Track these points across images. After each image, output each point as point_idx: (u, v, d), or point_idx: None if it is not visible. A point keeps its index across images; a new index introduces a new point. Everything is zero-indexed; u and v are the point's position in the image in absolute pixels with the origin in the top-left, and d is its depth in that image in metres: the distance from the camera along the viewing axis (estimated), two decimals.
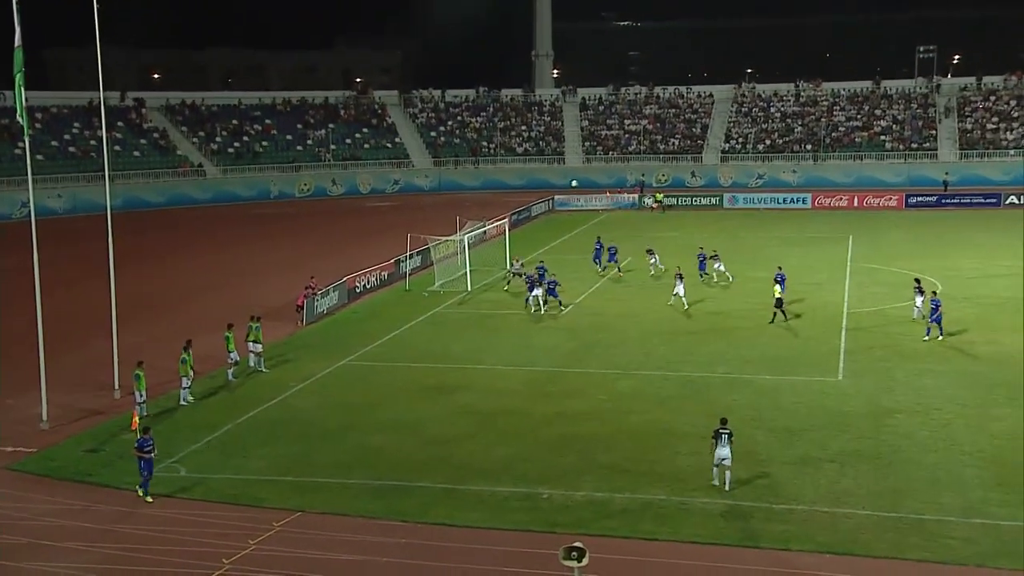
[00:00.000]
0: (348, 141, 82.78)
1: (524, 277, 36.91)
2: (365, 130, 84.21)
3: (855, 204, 64.44)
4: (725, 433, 18.58)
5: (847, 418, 22.55)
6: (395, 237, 48.24)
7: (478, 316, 34.47)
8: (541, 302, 33.87)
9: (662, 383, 25.63)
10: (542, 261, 40.30)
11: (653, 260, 40.03)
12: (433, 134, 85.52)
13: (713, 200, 67.28)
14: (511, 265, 39.71)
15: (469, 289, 38.77)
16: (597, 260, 41.42)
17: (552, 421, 22.78)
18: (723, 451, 18.38)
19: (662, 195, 66.50)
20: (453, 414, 23.49)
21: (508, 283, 39.04)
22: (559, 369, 27.27)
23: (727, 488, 18.37)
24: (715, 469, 18.58)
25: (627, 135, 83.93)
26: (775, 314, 31.55)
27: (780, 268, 34.79)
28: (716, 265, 38.71)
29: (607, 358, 28.26)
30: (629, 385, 25.56)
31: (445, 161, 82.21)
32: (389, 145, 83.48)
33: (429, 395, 25.06)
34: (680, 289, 33.59)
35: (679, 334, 30.74)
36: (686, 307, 33.43)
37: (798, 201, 65.65)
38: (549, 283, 34.86)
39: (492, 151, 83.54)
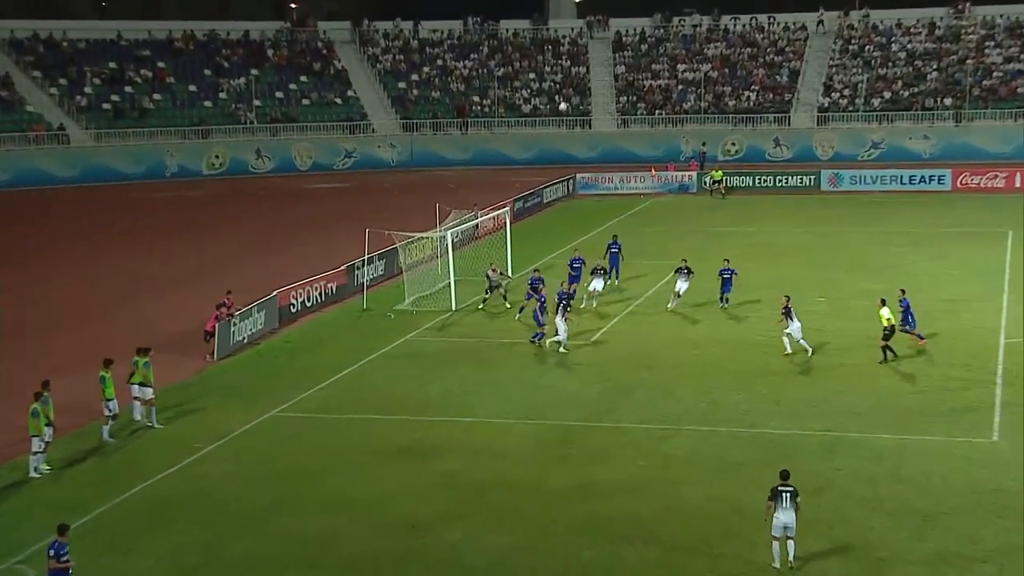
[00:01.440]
0: (279, 94, 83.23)
1: (527, 292, 36.78)
2: (304, 79, 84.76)
3: (1017, 184, 64.67)
4: (787, 491, 19.24)
5: (1006, 497, 22.50)
6: (347, 233, 48.33)
7: (467, 347, 34.56)
8: (561, 331, 33.11)
9: (731, 444, 25.70)
10: (537, 269, 40.35)
11: (594, 286, 38.27)
12: (402, 85, 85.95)
13: (806, 179, 67.55)
14: (488, 276, 39.59)
15: (454, 308, 38.98)
16: (612, 269, 41.34)
17: (571, 497, 22.84)
18: (785, 516, 19.11)
19: (720, 172, 66.76)
20: (430, 487, 23.55)
21: (495, 299, 39.22)
22: (582, 423, 27.35)
23: (791, 565, 19.07)
24: (775, 544, 19.22)
25: (681, 86, 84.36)
26: (885, 351, 31.24)
27: (903, 292, 32.79)
28: (592, 285, 37.71)
29: (651, 407, 28.34)
30: (683, 446, 25.65)
31: (419, 124, 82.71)
32: (339, 100, 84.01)
33: (396, 460, 25.12)
34: (793, 327, 31.89)
35: (757, 375, 30.80)
36: (809, 352, 31.88)
37: (932, 180, 65.90)
38: (532, 282, 35.36)
39: (487, 110, 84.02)
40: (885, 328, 31.20)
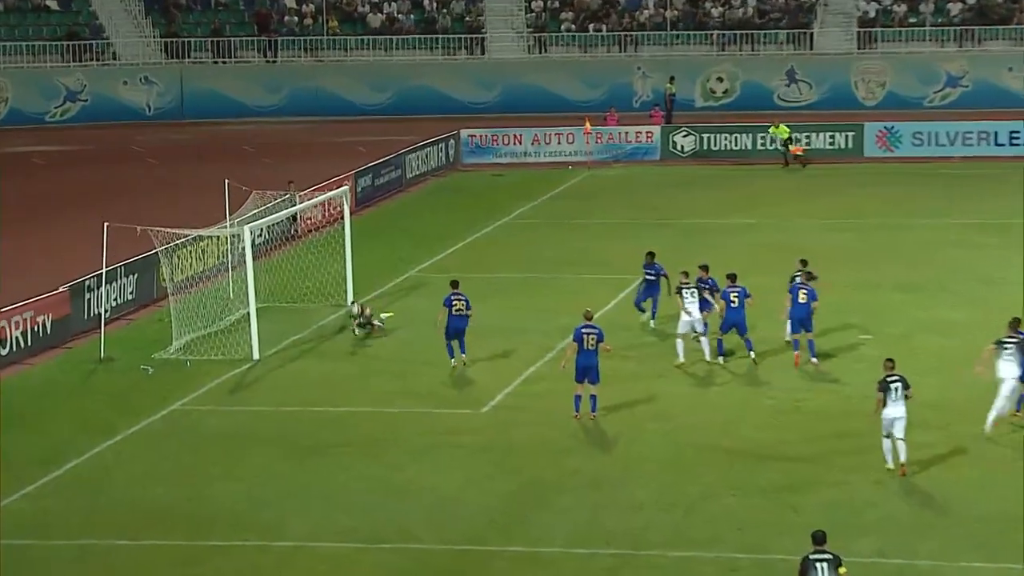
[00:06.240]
0: None
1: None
2: None
3: None
4: (895, 381, 29.31)
5: None
6: (71, 230, 47.72)
7: (279, 421, 34.52)
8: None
9: None
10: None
11: (690, 306, 38.28)
12: None
13: (841, 138, 68.38)
14: (356, 309, 40.21)
15: (256, 356, 38.93)
16: (644, 299, 41.36)
17: None
18: (896, 409, 28.91)
19: (787, 129, 66.64)
20: None
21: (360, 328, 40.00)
22: (474, 548, 27.35)
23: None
24: (886, 443, 29.21)
25: None
26: None
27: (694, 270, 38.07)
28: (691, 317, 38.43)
29: (588, 519, 28.43)
30: None
31: (194, 46, 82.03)
32: (53, 4, 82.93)
33: None
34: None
35: (764, 461, 31.17)
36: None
37: None
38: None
39: (308, 23, 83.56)
40: None
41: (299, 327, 41.01)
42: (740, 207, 57.23)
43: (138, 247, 42.82)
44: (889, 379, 29.48)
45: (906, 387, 29.51)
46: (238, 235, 41.25)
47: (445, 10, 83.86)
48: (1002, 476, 30.03)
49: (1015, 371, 31.72)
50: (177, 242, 42.99)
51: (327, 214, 50.42)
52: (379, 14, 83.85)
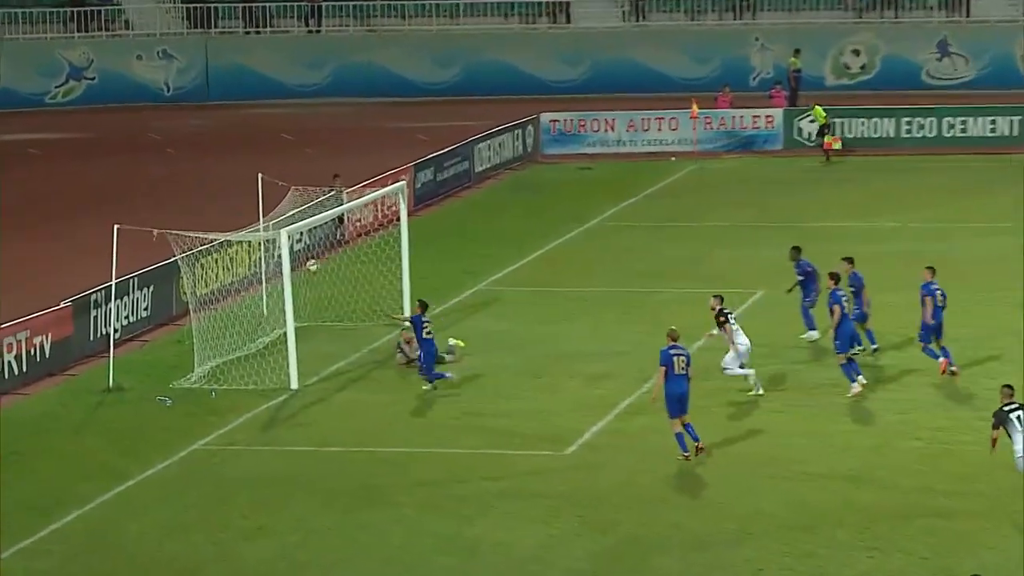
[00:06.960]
0: None
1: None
2: None
3: None
4: (1014, 410, 29.47)
5: None
6: (75, 235, 48.00)
7: (320, 462, 34.63)
8: None
9: None
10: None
11: (739, 337, 38.81)
12: None
13: (1004, 124, 68.02)
14: (401, 348, 40.37)
15: (294, 385, 39.10)
16: (807, 312, 41.66)
17: None
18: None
19: (824, 112, 66.16)
20: None
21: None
22: None
23: None
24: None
25: None
26: None
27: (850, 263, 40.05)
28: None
29: None
30: None
31: (222, 12, 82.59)
32: None
33: None
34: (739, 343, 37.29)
35: (915, 514, 30.98)
36: (757, 390, 37.31)
37: None
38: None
39: None
40: None
41: (346, 351, 41.18)
42: (880, 207, 57.14)
43: (154, 254, 43.10)
44: (1007, 408, 29.98)
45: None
46: (274, 240, 41.39)
47: None
48: None
49: None
50: (201, 248, 43.01)
51: (380, 215, 50.55)
52: None
